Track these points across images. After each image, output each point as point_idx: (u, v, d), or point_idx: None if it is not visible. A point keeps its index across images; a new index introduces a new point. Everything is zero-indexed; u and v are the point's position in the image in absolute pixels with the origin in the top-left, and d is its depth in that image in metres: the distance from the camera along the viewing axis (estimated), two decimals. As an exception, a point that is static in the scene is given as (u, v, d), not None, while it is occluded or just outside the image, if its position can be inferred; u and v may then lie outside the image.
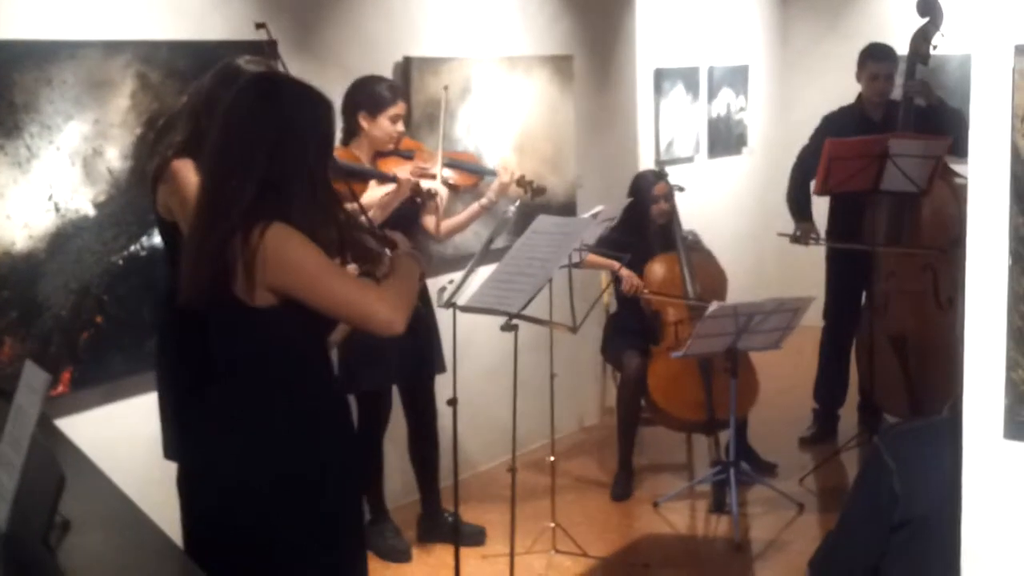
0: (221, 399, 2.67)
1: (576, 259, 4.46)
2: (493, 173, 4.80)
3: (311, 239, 2.57)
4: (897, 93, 6.06)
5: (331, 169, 2.69)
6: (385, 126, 4.50)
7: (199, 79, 3.60)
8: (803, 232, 6.06)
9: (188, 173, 3.40)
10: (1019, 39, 1.79)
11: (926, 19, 5.92)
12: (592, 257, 5.05)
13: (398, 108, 4.53)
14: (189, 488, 2.80)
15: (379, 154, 4.57)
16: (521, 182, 4.79)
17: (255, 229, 2.51)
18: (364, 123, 4.50)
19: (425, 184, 4.46)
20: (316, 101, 2.68)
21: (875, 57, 6.05)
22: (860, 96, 6.16)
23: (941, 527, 2.12)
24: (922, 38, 5.91)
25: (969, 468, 1.94)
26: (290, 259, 2.52)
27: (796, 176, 6.19)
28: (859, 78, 6.12)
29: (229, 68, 3.47)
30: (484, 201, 4.78)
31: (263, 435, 2.62)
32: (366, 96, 4.48)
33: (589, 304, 4.66)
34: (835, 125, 6.04)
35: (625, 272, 5.34)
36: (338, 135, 4.40)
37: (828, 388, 6.36)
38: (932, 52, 5.93)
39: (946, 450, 2.09)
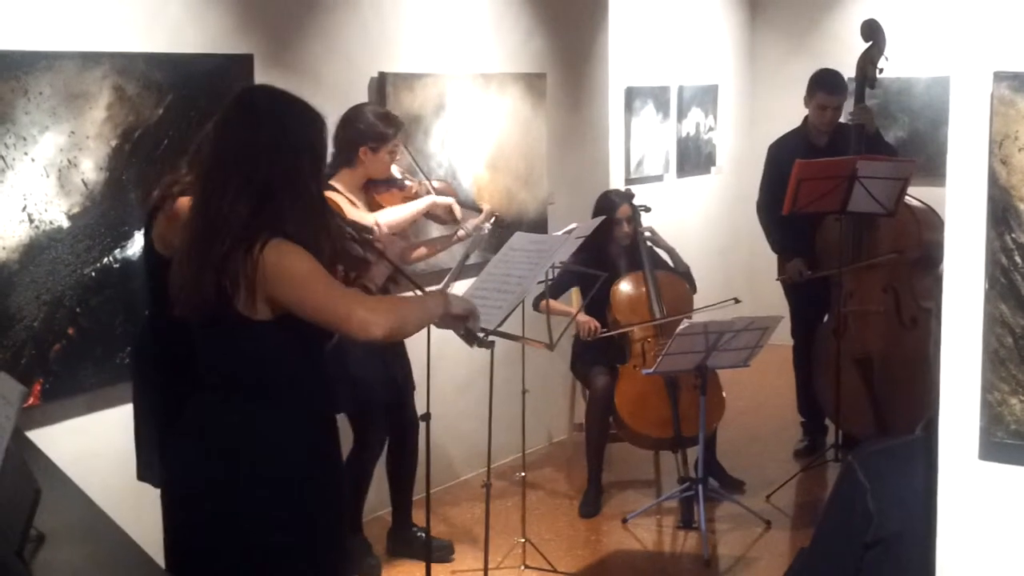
0: (212, 410, 2.70)
1: (551, 276, 4.48)
2: (479, 209, 4.90)
3: (308, 250, 2.60)
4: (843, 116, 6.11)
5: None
6: (385, 159, 4.61)
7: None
8: (795, 270, 5.99)
9: None
10: (998, 65, 1.83)
11: (869, 43, 5.99)
12: (553, 304, 5.07)
13: (397, 141, 4.65)
14: (173, 497, 2.81)
15: (372, 182, 4.64)
16: (498, 223, 5.01)
17: (256, 244, 2.56)
18: (365, 156, 4.55)
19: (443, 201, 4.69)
20: (308, 113, 2.73)
21: (826, 89, 6.02)
22: (806, 120, 6.15)
23: (914, 546, 2.14)
24: (868, 62, 5.96)
25: (944, 489, 1.96)
26: (283, 268, 2.57)
27: (767, 218, 6.11)
28: (807, 104, 6.10)
29: None
30: (461, 233, 4.86)
31: (252, 446, 2.65)
32: (369, 128, 4.53)
33: (564, 321, 4.68)
34: (782, 152, 6.02)
35: (581, 317, 5.38)
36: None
37: (810, 401, 6.33)
38: (879, 75, 5.99)
39: (920, 469, 2.12)
